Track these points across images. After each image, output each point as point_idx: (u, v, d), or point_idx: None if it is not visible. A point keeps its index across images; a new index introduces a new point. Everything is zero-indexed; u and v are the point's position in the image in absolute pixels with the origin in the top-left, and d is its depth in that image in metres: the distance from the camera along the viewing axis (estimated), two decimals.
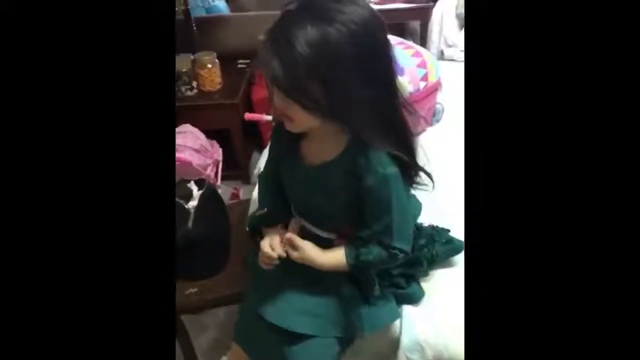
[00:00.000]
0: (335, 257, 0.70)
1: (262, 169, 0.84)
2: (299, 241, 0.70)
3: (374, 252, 0.67)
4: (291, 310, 0.72)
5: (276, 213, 0.76)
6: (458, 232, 0.83)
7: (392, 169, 0.64)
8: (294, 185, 0.73)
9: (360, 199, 0.66)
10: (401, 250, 0.68)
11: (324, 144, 0.67)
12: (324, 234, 0.73)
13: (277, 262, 0.71)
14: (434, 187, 0.71)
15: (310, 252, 0.70)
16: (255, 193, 1.00)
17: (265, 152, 0.95)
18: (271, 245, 0.71)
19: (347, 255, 0.69)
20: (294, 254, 0.70)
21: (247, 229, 0.82)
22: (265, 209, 0.76)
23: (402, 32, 2.33)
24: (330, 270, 0.71)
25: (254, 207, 0.98)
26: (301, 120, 0.61)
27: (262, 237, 0.75)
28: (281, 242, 0.72)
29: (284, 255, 0.70)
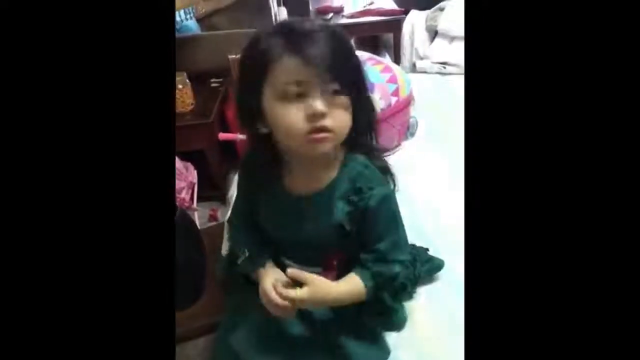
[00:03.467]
0: (349, 284, 0.64)
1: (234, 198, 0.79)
2: (306, 275, 0.62)
3: (389, 268, 0.65)
4: None
5: (260, 255, 0.69)
6: (436, 250, 0.83)
7: (389, 186, 0.65)
8: (279, 220, 0.67)
9: (361, 221, 0.63)
10: (402, 261, 0.67)
11: (316, 171, 0.64)
12: (310, 270, 0.66)
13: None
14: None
15: (323, 284, 0.62)
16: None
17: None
18: (278, 286, 0.62)
19: (361, 277, 0.64)
20: (303, 291, 0.60)
21: (219, 278, 0.77)
22: (247, 253, 0.69)
23: (377, 45, 2.36)
24: (344, 303, 0.64)
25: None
26: (341, 127, 0.58)
27: (250, 282, 0.69)
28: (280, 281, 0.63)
29: (286, 292, 0.61)
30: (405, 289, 0.74)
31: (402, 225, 0.68)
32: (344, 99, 0.57)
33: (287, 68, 0.54)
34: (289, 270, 0.63)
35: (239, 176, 0.72)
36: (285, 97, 0.55)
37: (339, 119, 0.57)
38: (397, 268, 0.66)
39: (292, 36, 0.54)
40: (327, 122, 0.55)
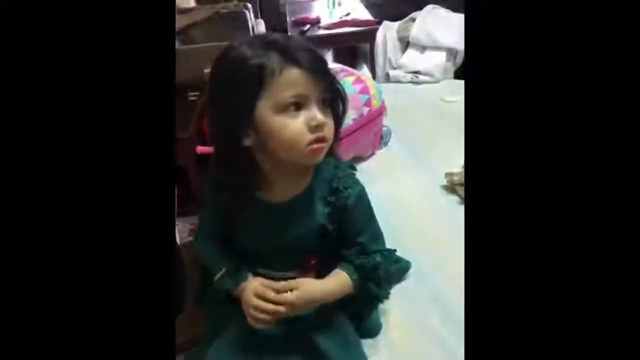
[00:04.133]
0: (336, 279, 0.66)
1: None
2: (291, 281, 0.64)
3: (370, 259, 0.67)
4: None
5: (239, 269, 0.69)
6: (406, 250, 0.86)
7: (361, 183, 0.68)
8: (258, 229, 0.68)
9: (340, 219, 0.66)
10: (382, 251, 0.70)
11: (294, 178, 0.66)
12: (287, 275, 0.69)
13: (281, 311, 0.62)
14: None
15: (311, 283, 0.65)
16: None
17: None
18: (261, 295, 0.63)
19: (346, 271, 0.66)
20: (294, 295, 0.62)
21: (195, 297, 0.77)
22: (224, 270, 0.68)
23: (355, 55, 2.39)
24: (334, 298, 0.66)
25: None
26: (332, 134, 0.61)
27: (229, 298, 0.70)
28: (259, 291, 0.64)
29: (276, 297, 0.62)
30: (389, 277, 0.75)
31: (376, 218, 0.71)
32: (330, 108, 0.61)
33: (289, 82, 0.56)
34: (280, 284, 0.64)
35: (209, 192, 0.71)
36: (284, 110, 0.57)
37: (331, 127, 0.60)
38: (377, 258, 0.68)
39: (288, 50, 0.57)
40: (325, 131, 0.59)
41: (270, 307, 0.62)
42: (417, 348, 0.74)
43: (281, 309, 0.62)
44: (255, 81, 0.56)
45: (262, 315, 0.63)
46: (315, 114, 0.58)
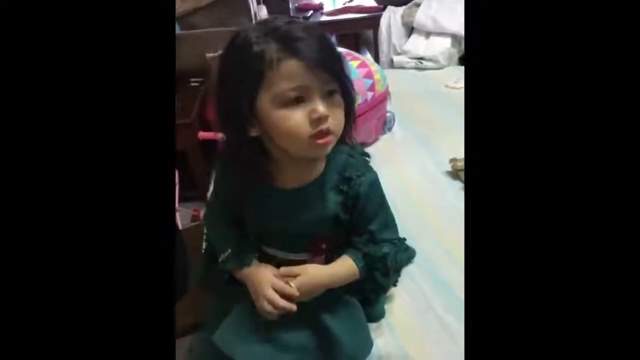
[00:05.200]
0: (342, 265, 0.66)
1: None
2: (296, 268, 0.64)
3: (378, 249, 0.67)
4: (273, 351, 0.65)
5: (244, 251, 0.68)
6: (411, 236, 0.84)
7: (374, 171, 0.67)
8: (269, 214, 0.67)
9: (352, 207, 0.65)
10: (392, 240, 0.70)
11: (306, 166, 0.65)
12: (297, 257, 0.69)
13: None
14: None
15: (316, 269, 0.65)
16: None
17: None
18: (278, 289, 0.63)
19: (353, 258, 0.66)
20: (299, 281, 0.63)
21: (197, 277, 0.77)
22: (230, 251, 0.68)
23: (358, 42, 2.37)
24: (340, 283, 0.67)
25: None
26: (339, 126, 0.60)
27: (232, 279, 0.69)
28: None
29: (296, 293, 0.63)
30: (398, 266, 0.74)
31: (389, 206, 0.71)
32: (338, 98, 0.58)
33: (287, 74, 0.54)
34: (281, 269, 0.65)
35: (217, 176, 0.72)
36: (285, 102, 0.55)
37: (337, 119, 0.58)
38: (385, 248, 0.68)
39: (287, 40, 0.54)
40: (329, 123, 0.56)
41: (288, 305, 0.62)
42: (420, 332, 0.74)
43: (293, 306, 0.62)
44: (254, 72, 0.55)
45: (272, 309, 0.63)
46: (316, 106, 0.55)
